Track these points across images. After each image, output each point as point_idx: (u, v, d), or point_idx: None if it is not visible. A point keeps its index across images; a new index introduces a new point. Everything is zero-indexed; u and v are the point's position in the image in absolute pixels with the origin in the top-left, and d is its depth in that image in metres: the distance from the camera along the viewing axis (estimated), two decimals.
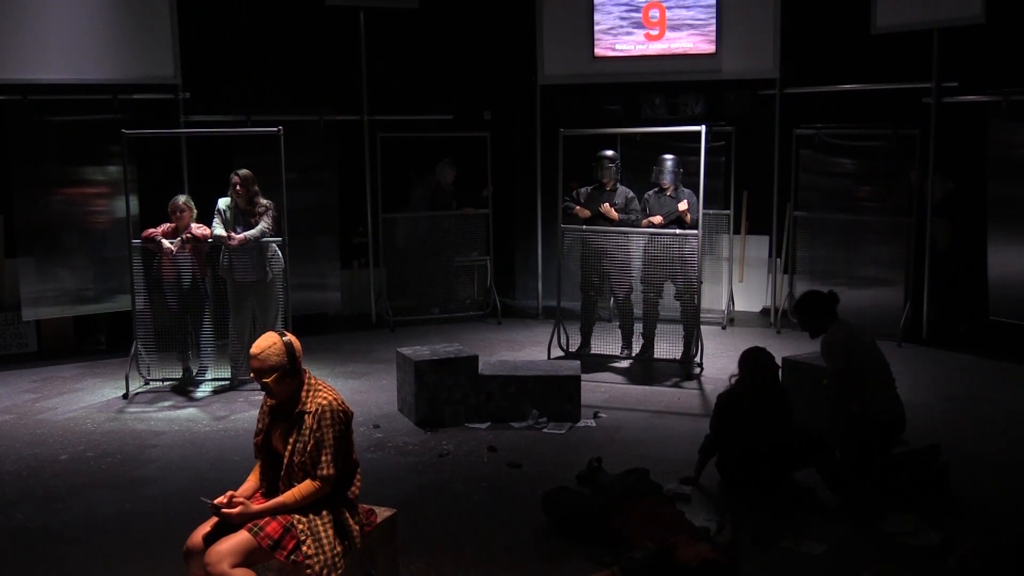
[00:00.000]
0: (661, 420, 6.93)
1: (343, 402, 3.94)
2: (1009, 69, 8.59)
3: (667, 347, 8.24)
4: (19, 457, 6.26)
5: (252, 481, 4.01)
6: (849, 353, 5.44)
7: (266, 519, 3.76)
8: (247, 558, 3.67)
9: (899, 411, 5.46)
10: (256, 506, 3.81)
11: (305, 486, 3.82)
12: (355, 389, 7.72)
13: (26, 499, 5.55)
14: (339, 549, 3.84)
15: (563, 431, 6.66)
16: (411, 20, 10.25)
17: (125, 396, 7.56)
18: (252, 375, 3.89)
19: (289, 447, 3.86)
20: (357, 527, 3.96)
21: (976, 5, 8.39)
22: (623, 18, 10.16)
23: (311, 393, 3.90)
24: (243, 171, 7.60)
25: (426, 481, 5.78)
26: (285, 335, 3.93)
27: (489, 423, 6.81)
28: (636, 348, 8.43)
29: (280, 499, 3.82)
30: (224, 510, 3.76)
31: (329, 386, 3.98)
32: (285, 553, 3.73)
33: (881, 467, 5.35)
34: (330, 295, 10.05)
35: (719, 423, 5.56)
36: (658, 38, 10.13)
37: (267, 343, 3.86)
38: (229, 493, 3.84)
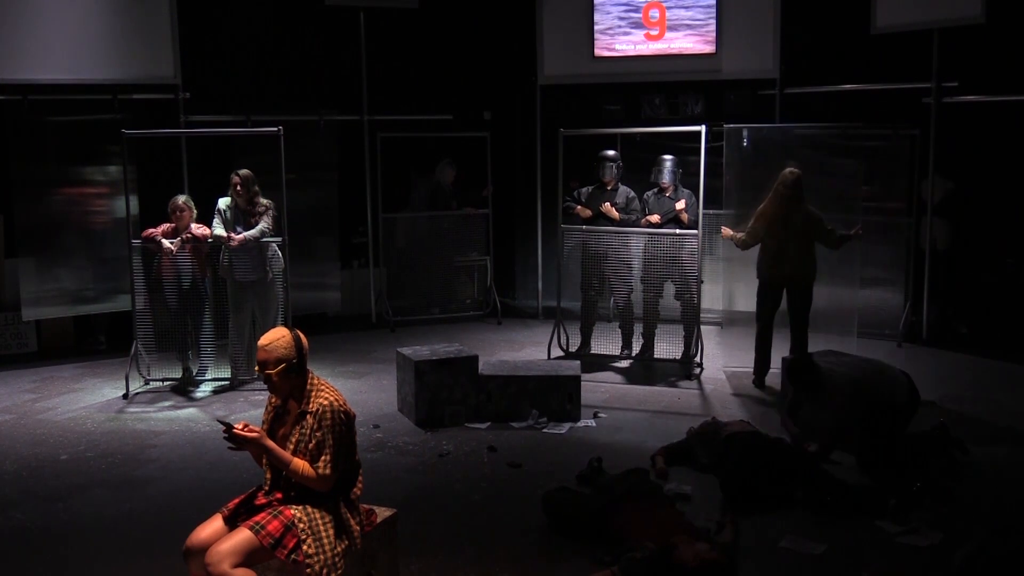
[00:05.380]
0: (661, 420, 6.92)
1: (345, 403, 3.94)
2: (1009, 69, 8.59)
3: (667, 347, 8.24)
4: (19, 457, 6.26)
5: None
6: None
7: (268, 519, 3.77)
8: (248, 558, 3.68)
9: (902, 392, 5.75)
10: (269, 442, 3.83)
11: (309, 467, 3.83)
12: (355, 389, 7.72)
13: (26, 499, 5.55)
14: (339, 549, 3.84)
15: (563, 431, 6.66)
16: (411, 20, 10.24)
17: (125, 396, 7.57)
18: (257, 367, 3.91)
19: (291, 447, 3.87)
20: (358, 527, 3.96)
21: (976, 5, 8.39)
22: (622, 18, 10.15)
23: (313, 393, 3.91)
24: (243, 171, 7.61)
25: (426, 481, 5.78)
26: (295, 330, 3.97)
27: (489, 423, 6.80)
28: (636, 348, 8.43)
29: (290, 456, 3.83)
30: (236, 431, 3.79)
31: (332, 387, 3.99)
32: (286, 552, 3.73)
33: (899, 449, 5.48)
34: (330, 295, 10.06)
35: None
36: (658, 38, 10.13)
37: (276, 335, 3.91)
38: (244, 422, 3.89)
